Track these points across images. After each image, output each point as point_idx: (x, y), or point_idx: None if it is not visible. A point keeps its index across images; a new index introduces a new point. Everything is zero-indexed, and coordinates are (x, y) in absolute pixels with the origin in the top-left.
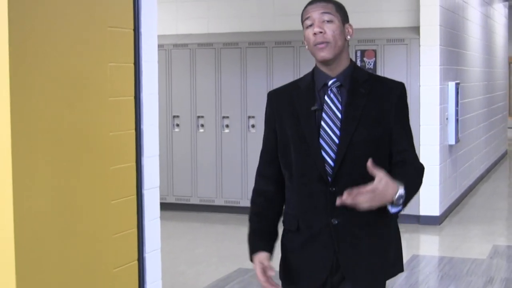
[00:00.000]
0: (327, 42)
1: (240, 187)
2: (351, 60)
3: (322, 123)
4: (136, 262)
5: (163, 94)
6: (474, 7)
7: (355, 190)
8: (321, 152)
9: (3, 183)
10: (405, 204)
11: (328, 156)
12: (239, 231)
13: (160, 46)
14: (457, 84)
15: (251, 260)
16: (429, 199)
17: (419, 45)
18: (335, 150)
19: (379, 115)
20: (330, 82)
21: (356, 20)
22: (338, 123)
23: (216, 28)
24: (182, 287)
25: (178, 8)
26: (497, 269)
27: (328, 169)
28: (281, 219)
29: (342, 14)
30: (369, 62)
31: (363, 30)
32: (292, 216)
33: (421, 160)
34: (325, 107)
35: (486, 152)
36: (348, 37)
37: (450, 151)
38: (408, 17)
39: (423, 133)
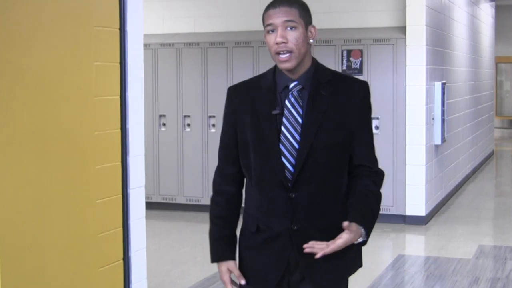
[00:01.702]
0: (290, 52)
1: None
2: (313, 59)
3: (282, 128)
4: (121, 261)
5: (149, 94)
6: (461, 7)
7: (319, 246)
8: (280, 158)
9: None
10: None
11: (288, 162)
12: None
13: (146, 46)
14: (443, 84)
15: (214, 261)
16: (415, 199)
17: (405, 45)
18: (295, 155)
19: (341, 119)
20: (291, 86)
21: (342, 20)
22: (299, 128)
23: (202, 27)
24: (167, 287)
25: (164, 7)
26: (483, 269)
27: (288, 175)
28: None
29: (306, 18)
30: (355, 62)
31: (349, 30)
32: (251, 218)
33: (408, 160)
34: (286, 111)
35: (473, 152)
36: (311, 40)
37: (436, 151)
38: (394, 17)
39: (409, 133)
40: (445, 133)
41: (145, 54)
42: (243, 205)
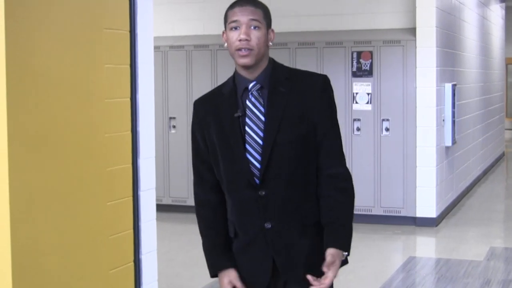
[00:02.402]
0: (251, 49)
1: None
2: (270, 59)
3: (247, 128)
4: (132, 263)
5: (160, 96)
6: (471, 8)
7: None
8: (246, 157)
9: None
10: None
11: (255, 159)
12: None
13: (156, 48)
14: (453, 86)
15: (214, 276)
16: (426, 200)
17: (416, 47)
18: (260, 152)
19: (302, 112)
20: (250, 86)
21: (352, 22)
22: (262, 126)
23: (212, 29)
24: None
25: (174, 9)
26: (494, 271)
27: (256, 171)
28: None
29: (268, 21)
30: (365, 63)
31: (359, 31)
32: (230, 222)
33: (418, 162)
34: (248, 111)
35: (483, 154)
36: (270, 43)
37: (446, 153)
38: (404, 19)
39: (420, 134)
40: (455, 134)
41: (155, 56)
42: None
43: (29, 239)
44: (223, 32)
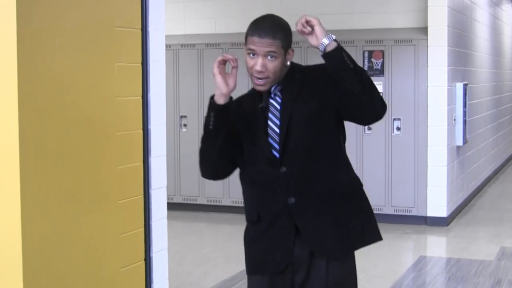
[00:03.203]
0: (267, 78)
1: None
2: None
3: (268, 121)
4: (143, 262)
5: (171, 94)
6: (482, 8)
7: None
8: (268, 141)
9: (11, 182)
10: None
11: (274, 141)
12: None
13: (167, 46)
14: (465, 85)
15: (212, 100)
16: (437, 200)
17: (427, 46)
18: (278, 132)
19: (315, 91)
20: (273, 88)
21: (364, 21)
22: (278, 114)
23: (223, 28)
24: (188, 287)
25: (185, 8)
26: (505, 270)
27: (275, 153)
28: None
29: (287, 44)
30: (376, 62)
31: (370, 30)
32: (251, 208)
33: (429, 162)
34: (270, 107)
35: (494, 153)
36: (288, 62)
37: (457, 152)
38: (416, 18)
39: (431, 134)
40: (466, 134)
41: (166, 55)
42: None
43: (40, 237)
44: (244, 46)
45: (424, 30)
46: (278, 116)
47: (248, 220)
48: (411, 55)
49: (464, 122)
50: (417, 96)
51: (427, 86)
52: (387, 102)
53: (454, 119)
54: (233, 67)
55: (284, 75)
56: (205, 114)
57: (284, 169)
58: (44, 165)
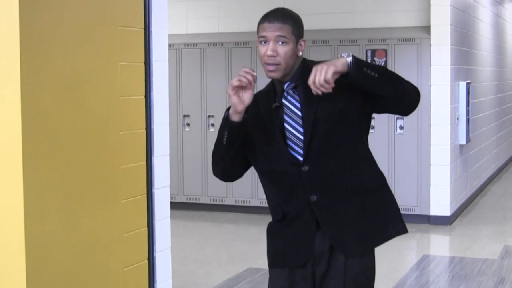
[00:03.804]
0: (278, 64)
1: (250, 187)
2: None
3: (285, 124)
4: (146, 261)
5: (174, 94)
6: (485, 7)
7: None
8: (287, 143)
9: (13, 182)
10: (363, 66)
11: (294, 144)
12: (249, 231)
13: (170, 46)
14: (468, 84)
15: (228, 115)
16: (440, 199)
17: (430, 45)
18: (302, 138)
19: (336, 90)
20: (285, 86)
21: (366, 20)
22: (300, 121)
23: (226, 27)
24: (192, 286)
25: (188, 7)
26: (508, 269)
27: (299, 150)
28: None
29: (298, 33)
30: (379, 61)
31: (373, 29)
32: (275, 207)
33: (432, 160)
34: (285, 109)
35: (497, 152)
36: (300, 53)
37: (461, 151)
38: (418, 17)
39: (434, 133)
40: (469, 133)
41: (169, 54)
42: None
43: (43, 237)
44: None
45: (427, 29)
46: (298, 117)
47: (273, 218)
48: (414, 54)
49: (467, 120)
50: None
51: (430, 85)
52: None
53: (457, 118)
54: (251, 82)
55: (297, 71)
56: (208, 114)
57: (307, 167)
58: (47, 165)
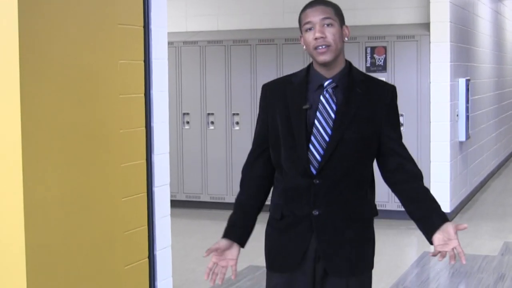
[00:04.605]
0: (328, 46)
1: None
2: (346, 60)
3: (315, 121)
4: (146, 259)
5: (173, 92)
6: (485, 4)
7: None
8: (309, 147)
9: (14, 180)
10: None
11: (316, 152)
12: None
13: (169, 44)
14: (467, 81)
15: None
16: (440, 195)
17: (429, 42)
18: (324, 146)
19: (371, 115)
20: (326, 83)
21: (366, 17)
22: (331, 122)
23: (225, 25)
24: (192, 285)
25: (187, 5)
26: (508, 266)
27: (315, 163)
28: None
29: (340, 17)
30: (379, 58)
31: (373, 26)
32: (277, 206)
33: (432, 157)
34: (320, 106)
35: (497, 149)
36: (346, 38)
37: (460, 148)
38: (418, 14)
39: (434, 129)
40: (469, 129)
41: (169, 52)
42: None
43: (43, 235)
44: (300, 37)
45: (426, 25)
46: (331, 119)
47: (272, 216)
48: (413, 51)
49: (467, 117)
50: (419, 92)
51: (430, 82)
52: None
53: (457, 115)
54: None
55: (343, 71)
56: (208, 112)
57: (318, 181)
58: (47, 164)
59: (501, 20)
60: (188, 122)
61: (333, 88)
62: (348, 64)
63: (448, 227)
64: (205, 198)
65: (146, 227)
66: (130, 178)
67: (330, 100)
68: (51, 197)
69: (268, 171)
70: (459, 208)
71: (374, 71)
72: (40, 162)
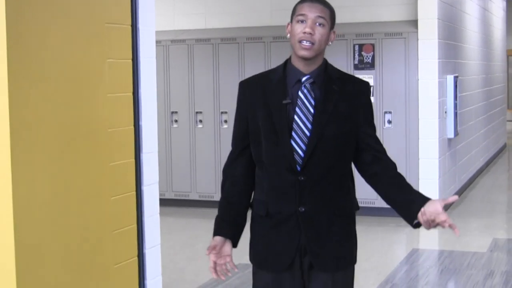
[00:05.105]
0: (313, 43)
1: None
2: (324, 59)
3: (295, 117)
4: (136, 258)
5: (161, 90)
6: (472, 0)
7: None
8: (291, 143)
9: (2, 180)
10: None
11: (299, 148)
12: None
13: (157, 42)
14: (455, 78)
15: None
16: (429, 192)
17: (417, 39)
18: (306, 142)
19: (348, 112)
20: (303, 79)
21: (354, 14)
22: (310, 118)
23: (213, 23)
24: (182, 283)
25: (175, 3)
26: (497, 262)
27: (298, 159)
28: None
29: (333, 21)
30: (367, 56)
31: (361, 24)
32: (261, 203)
33: (421, 154)
34: (299, 101)
35: (485, 145)
36: (330, 42)
37: (449, 145)
38: (406, 11)
39: (422, 126)
40: (457, 126)
41: (157, 50)
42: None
43: (32, 235)
44: (288, 24)
45: (414, 23)
46: (310, 114)
47: (255, 213)
48: (401, 48)
49: (455, 114)
50: (408, 89)
51: (418, 79)
52: (378, 95)
53: (445, 112)
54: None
55: (320, 68)
56: (196, 110)
57: (302, 178)
58: (36, 163)
59: (489, 17)
60: (176, 121)
61: (310, 84)
62: (325, 62)
63: (434, 203)
64: (194, 196)
65: (135, 226)
66: (119, 177)
67: (308, 96)
68: (40, 196)
69: (250, 169)
70: (448, 205)
71: (362, 69)
72: (29, 161)
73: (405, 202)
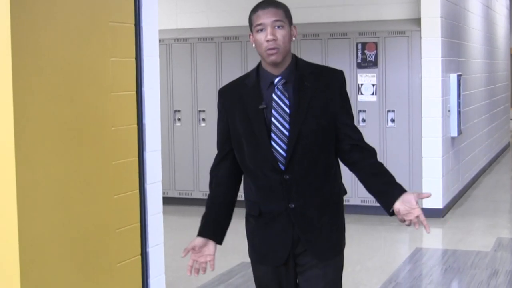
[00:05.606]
0: (278, 48)
1: (242, 182)
2: (293, 55)
3: (273, 119)
4: (139, 256)
5: (164, 89)
6: None
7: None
8: (272, 145)
9: (6, 178)
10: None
11: (280, 148)
12: (241, 225)
13: (160, 41)
14: (459, 76)
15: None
16: (432, 191)
17: (420, 37)
18: (286, 142)
19: (324, 105)
20: (276, 81)
21: (357, 13)
22: (287, 118)
23: (216, 22)
24: (185, 282)
25: (178, 2)
26: (501, 261)
27: (281, 159)
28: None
29: (289, 18)
30: (370, 54)
31: (363, 22)
32: (253, 203)
33: (424, 153)
34: (274, 104)
35: (489, 144)
36: (293, 38)
37: (452, 143)
38: (409, 9)
39: (425, 125)
40: (461, 125)
41: (160, 49)
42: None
43: (36, 233)
44: (250, 35)
45: (417, 21)
46: (286, 114)
47: (249, 213)
48: (404, 46)
49: (459, 113)
50: (411, 87)
51: (421, 78)
52: (381, 94)
53: (449, 110)
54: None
55: (290, 67)
56: (199, 108)
57: (287, 176)
58: (39, 161)
59: (492, 15)
60: (179, 119)
61: (283, 84)
62: (294, 59)
63: (408, 197)
64: (197, 195)
65: (138, 224)
66: (122, 175)
67: (282, 97)
68: (43, 195)
69: (234, 170)
70: (451, 204)
71: (365, 67)
72: (32, 160)
73: (383, 191)
